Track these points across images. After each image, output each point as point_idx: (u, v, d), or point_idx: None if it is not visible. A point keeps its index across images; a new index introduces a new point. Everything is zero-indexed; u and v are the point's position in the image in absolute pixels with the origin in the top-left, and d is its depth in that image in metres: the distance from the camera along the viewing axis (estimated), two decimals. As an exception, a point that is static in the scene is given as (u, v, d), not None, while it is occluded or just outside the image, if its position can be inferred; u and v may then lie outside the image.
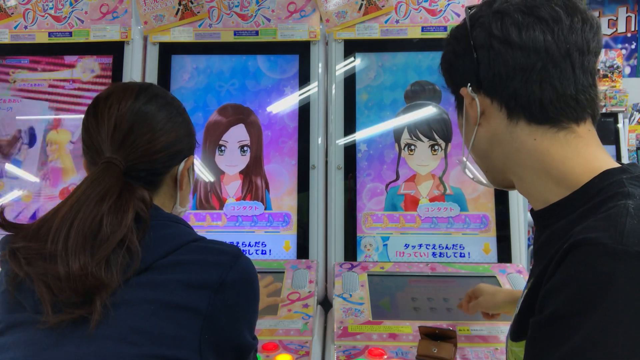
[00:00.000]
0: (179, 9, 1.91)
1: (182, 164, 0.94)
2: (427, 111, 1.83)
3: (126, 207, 0.79)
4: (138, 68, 1.90)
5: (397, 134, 1.83)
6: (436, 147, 1.81)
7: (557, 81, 0.73)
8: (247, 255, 0.87)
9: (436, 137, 1.81)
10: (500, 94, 0.77)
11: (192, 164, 0.99)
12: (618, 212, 0.63)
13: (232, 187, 1.82)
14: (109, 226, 0.77)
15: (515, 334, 0.76)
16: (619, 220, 0.62)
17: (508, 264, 1.69)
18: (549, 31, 0.73)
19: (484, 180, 0.90)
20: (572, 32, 0.73)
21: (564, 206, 0.73)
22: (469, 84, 0.79)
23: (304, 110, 1.84)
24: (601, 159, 0.74)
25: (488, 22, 0.76)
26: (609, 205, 0.66)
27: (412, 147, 1.81)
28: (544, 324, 0.63)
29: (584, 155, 0.74)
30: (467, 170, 0.93)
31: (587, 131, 0.75)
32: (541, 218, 0.77)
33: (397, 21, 1.87)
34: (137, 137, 0.86)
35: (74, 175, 1.86)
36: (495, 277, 1.62)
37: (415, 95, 1.84)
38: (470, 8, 0.81)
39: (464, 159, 0.89)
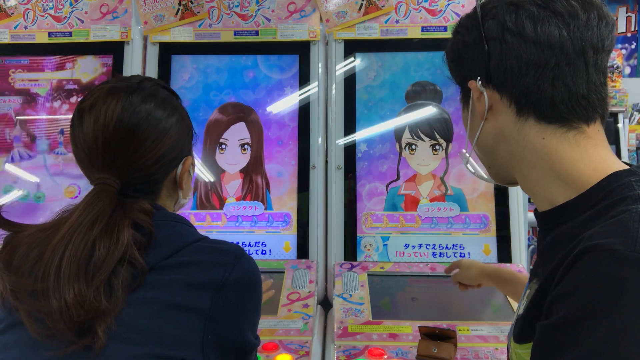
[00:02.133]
0: (179, 9, 1.91)
1: (180, 166, 0.91)
2: (428, 111, 1.83)
3: (121, 226, 0.76)
4: (138, 68, 1.90)
5: (398, 134, 1.83)
6: (437, 146, 1.81)
7: (570, 79, 0.71)
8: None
9: (437, 136, 1.81)
10: (510, 90, 0.74)
11: (192, 162, 0.96)
12: (629, 218, 0.62)
13: (233, 186, 1.82)
14: (103, 249, 0.74)
15: (519, 336, 0.74)
16: (631, 225, 0.61)
17: (508, 264, 1.69)
18: (564, 26, 0.70)
19: (485, 175, 0.88)
20: (588, 28, 0.70)
21: (571, 208, 0.71)
22: (478, 78, 0.77)
23: (304, 110, 1.84)
24: (609, 160, 0.72)
25: (502, 14, 0.73)
26: (619, 209, 0.64)
27: (413, 147, 1.81)
28: (552, 329, 0.62)
29: (592, 156, 0.72)
30: (468, 165, 0.90)
31: (596, 132, 0.73)
32: (547, 219, 0.75)
33: (397, 21, 1.87)
34: (130, 152, 0.82)
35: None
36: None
37: (416, 95, 1.85)
38: None
39: (467, 153, 0.87)
